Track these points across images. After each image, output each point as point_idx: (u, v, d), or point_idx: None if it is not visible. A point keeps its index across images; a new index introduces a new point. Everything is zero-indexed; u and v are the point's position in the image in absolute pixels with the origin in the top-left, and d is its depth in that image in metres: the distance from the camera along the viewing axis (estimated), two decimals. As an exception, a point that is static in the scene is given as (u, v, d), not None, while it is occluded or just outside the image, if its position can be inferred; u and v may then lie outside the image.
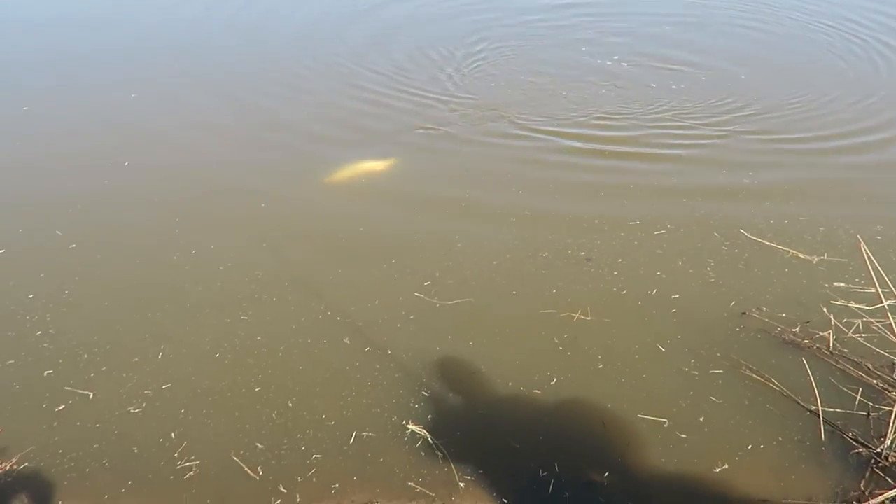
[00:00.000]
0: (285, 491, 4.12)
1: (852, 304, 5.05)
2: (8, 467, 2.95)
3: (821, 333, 4.95)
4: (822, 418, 4.33)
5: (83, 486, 4.18)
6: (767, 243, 6.06)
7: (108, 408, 4.72)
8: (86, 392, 4.84)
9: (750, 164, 7.50)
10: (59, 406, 4.74)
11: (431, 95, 9.48)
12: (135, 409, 4.69)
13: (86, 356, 5.17)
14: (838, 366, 4.72)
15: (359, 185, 7.49)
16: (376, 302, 5.64)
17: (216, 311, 5.60)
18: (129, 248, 6.52)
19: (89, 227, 6.95)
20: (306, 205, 7.18)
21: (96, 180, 7.84)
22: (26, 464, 4.27)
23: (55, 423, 4.60)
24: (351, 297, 5.69)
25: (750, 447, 4.22)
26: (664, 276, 5.76)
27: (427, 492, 4.07)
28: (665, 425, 4.39)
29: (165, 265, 6.24)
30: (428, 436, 4.40)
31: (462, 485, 4.10)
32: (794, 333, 5.00)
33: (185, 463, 4.30)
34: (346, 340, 5.24)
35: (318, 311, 5.56)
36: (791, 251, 5.92)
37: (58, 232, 6.84)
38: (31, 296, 5.84)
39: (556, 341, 5.13)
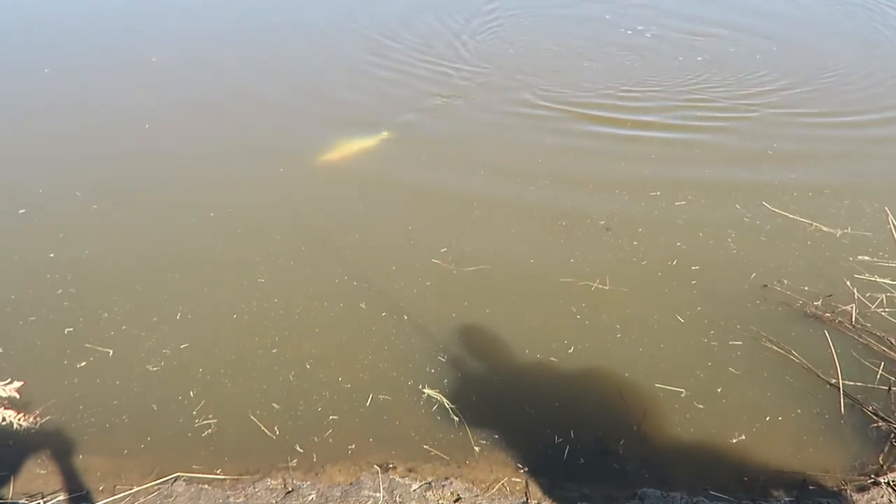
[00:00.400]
0: (301, 451, 4.14)
1: (877, 279, 4.98)
2: (31, 420, 2.98)
3: (843, 307, 4.89)
4: (842, 391, 4.29)
5: (103, 440, 4.22)
6: (790, 216, 5.98)
7: (128, 365, 4.75)
8: (106, 350, 4.87)
9: (775, 136, 7.38)
10: (81, 362, 4.78)
11: (450, 65, 9.37)
12: (154, 368, 4.72)
13: (105, 315, 5.20)
14: (860, 340, 4.66)
15: (376, 154, 7.44)
16: (393, 267, 5.62)
17: (234, 273, 5.60)
18: (148, 210, 6.53)
19: (109, 188, 6.95)
20: (326, 170, 7.14)
21: (117, 143, 7.84)
22: (48, 417, 4.32)
23: (76, 379, 4.64)
24: (368, 262, 5.68)
25: (768, 419, 4.20)
26: (684, 247, 5.69)
27: (442, 455, 4.08)
28: (683, 395, 4.36)
29: (184, 227, 6.24)
30: (444, 400, 4.39)
31: (477, 449, 4.11)
32: (816, 307, 4.94)
33: (203, 421, 4.33)
34: (363, 305, 5.23)
35: (335, 275, 5.55)
36: (814, 224, 5.84)
37: (78, 193, 6.85)
38: (51, 255, 5.87)
39: (574, 310, 5.09)
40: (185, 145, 7.71)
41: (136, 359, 4.80)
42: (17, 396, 2.80)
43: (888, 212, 4.00)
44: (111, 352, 4.86)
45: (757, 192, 6.40)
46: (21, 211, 6.56)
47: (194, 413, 4.39)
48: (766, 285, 5.18)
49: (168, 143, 7.75)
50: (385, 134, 7.71)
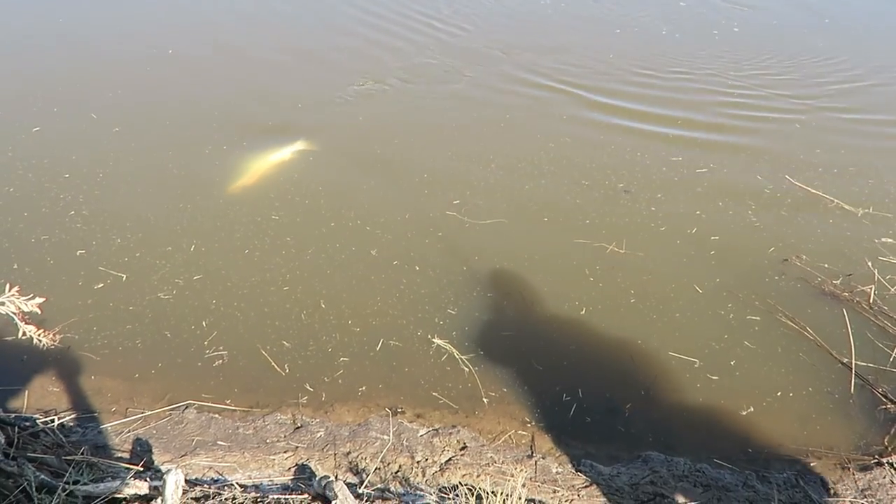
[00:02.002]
0: (311, 389, 4.14)
1: (898, 262, 4.94)
2: (51, 337, 2.96)
3: (862, 287, 4.85)
4: (853, 371, 4.29)
5: (116, 363, 4.22)
6: (813, 191, 5.91)
7: (141, 292, 4.74)
8: (119, 274, 4.85)
9: (803, 110, 7.27)
10: (97, 284, 4.76)
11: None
12: (166, 296, 4.70)
13: (119, 241, 5.17)
14: (877, 321, 4.64)
15: (399, 100, 7.33)
16: (406, 216, 5.57)
17: (248, 208, 5.56)
18: (164, 138, 6.46)
19: (126, 112, 6.87)
20: (343, 113, 7.04)
21: (138, 67, 7.72)
22: (67, 334, 4.31)
23: (89, 301, 4.63)
24: (381, 209, 5.64)
25: (779, 394, 4.20)
26: (704, 216, 5.64)
27: (451, 404, 4.09)
28: (696, 365, 4.35)
29: (199, 158, 6.18)
30: (454, 351, 4.39)
31: (486, 401, 4.11)
32: (835, 285, 4.91)
33: (214, 352, 4.32)
34: (374, 252, 5.20)
35: (348, 218, 5.51)
36: (836, 201, 5.77)
37: (93, 115, 6.76)
38: (66, 175, 5.81)
39: (587, 272, 5.06)
40: (205, 76, 7.65)
41: (148, 286, 4.79)
42: (39, 312, 2.77)
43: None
44: (124, 276, 4.84)
45: (780, 165, 6.34)
46: (35, 129, 6.47)
47: (206, 343, 4.39)
48: (786, 259, 5.14)
49: (188, 73, 7.65)
50: None
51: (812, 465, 3.83)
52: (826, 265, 5.09)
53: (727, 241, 5.35)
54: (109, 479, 3.10)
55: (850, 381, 4.26)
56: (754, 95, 7.60)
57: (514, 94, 7.59)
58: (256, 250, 5.16)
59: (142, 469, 3.32)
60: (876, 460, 3.83)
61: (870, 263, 5.02)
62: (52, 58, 8.04)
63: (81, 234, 5.21)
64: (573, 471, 3.69)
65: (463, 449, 3.76)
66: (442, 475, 3.53)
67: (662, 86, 7.74)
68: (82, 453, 3.35)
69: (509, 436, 3.90)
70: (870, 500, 3.59)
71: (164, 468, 3.36)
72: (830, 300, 4.81)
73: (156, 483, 3.03)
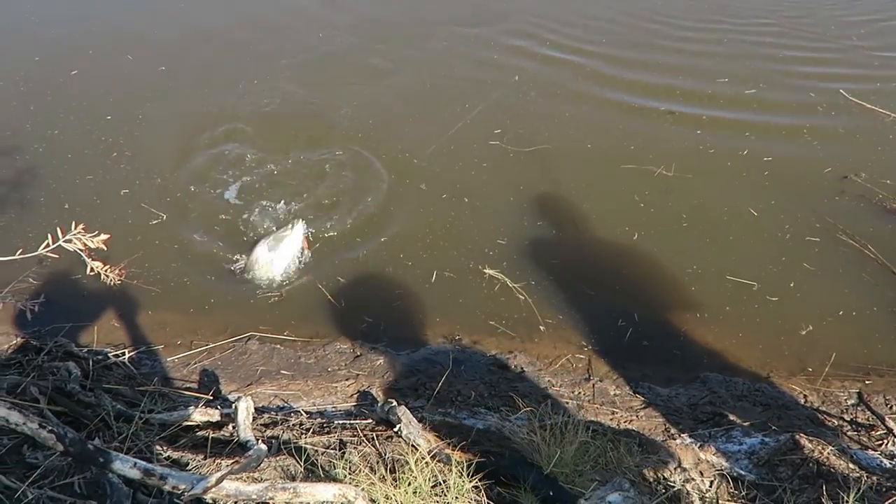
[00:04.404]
0: (370, 320, 4.18)
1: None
2: (117, 273, 3.01)
3: (926, 203, 4.72)
4: (918, 289, 4.19)
5: (173, 298, 4.30)
6: (869, 106, 5.69)
7: (184, 230, 4.79)
8: (160, 213, 4.90)
9: (859, 23, 6.96)
10: (149, 222, 4.83)
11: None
12: (202, 238, 4.75)
13: (159, 181, 5.22)
14: (941, 237, 4.52)
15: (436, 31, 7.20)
16: (452, 147, 5.52)
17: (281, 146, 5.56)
18: (200, 81, 6.45)
19: (163, 53, 6.85)
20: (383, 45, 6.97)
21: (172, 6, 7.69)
22: (130, 270, 4.39)
23: (139, 238, 4.70)
24: (425, 142, 5.58)
25: (840, 313, 4.12)
26: (753, 138, 5.50)
27: (508, 331, 4.10)
28: (754, 288, 4.28)
29: (233, 94, 6.16)
30: (507, 280, 4.38)
31: (542, 328, 4.12)
32: (898, 202, 4.77)
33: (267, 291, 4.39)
34: (423, 186, 5.16)
35: (396, 150, 5.48)
36: (893, 115, 5.56)
37: (129, 57, 6.76)
38: (108, 117, 5.85)
39: (637, 197, 4.98)
40: (238, 24, 7.50)
41: (187, 225, 4.84)
42: (105, 248, 2.81)
43: None
44: (164, 216, 4.89)
45: (834, 80, 6.12)
46: (73, 72, 6.50)
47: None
48: (845, 177, 5.00)
49: (221, 22, 7.57)
50: None
51: (874, 382, 3.78)
52: (888, 181, 4.93)
53: (781, 161, 5.21)
54: (182, 407, 3.20)
55: (914, 299, 4.17)
56: (806, 14, 7.28)
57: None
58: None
59: (211, 398, 3.42)
60: (940, 377, 3.77)
61: (935, 177, 4.86)
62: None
63: (125, 175, 5.27)
64: (631, 393, 3.70)
65: (521, 373, 3.79)
66: (501, 398, 3.57)
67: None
68: (154, 384, 3.46)
69: (567, 360, 3.92)
70: (935, 416, 3.54)
71: (232, 397, 3.45)
72: (893, 217, 4.67)
73: (227, 410, 3.12)
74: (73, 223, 2.77)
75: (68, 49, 6.92)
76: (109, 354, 3.64)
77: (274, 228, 4.73)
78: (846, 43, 6.73)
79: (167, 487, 2.41)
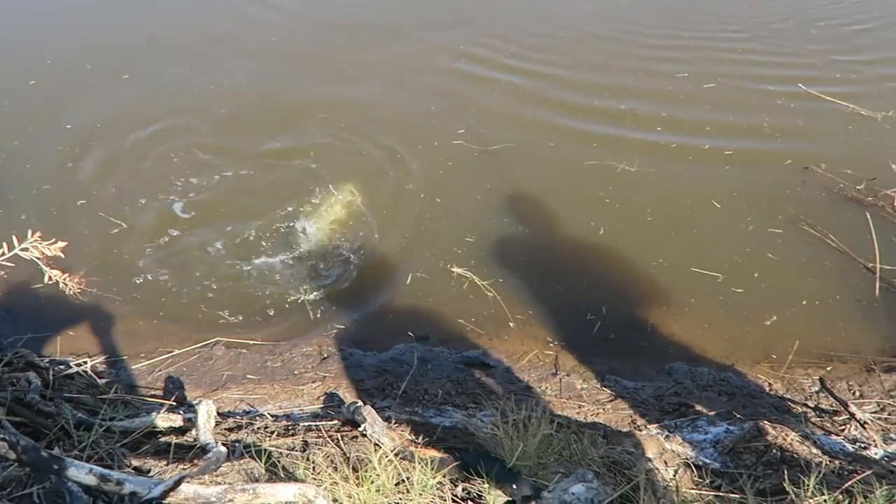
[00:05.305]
0: (338, 321, 4.17)
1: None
2: (76, 281, 2.98)
3: (886, 191, 4.78)
4: (878, 275, 4.25)
5: (132, 306, 4.25)
6: (828, 98, 5.78)
7: (142, 239, 4.73)
8: (119, 222, 4.85)
9: (820, 17, 7.06)
10: (107, 231, 4.78)
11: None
12: (165, 244, 4.71)
13: (113, 190, 5.17)
14: (901, 224, 4.59)
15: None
16: (419, 147, 5.55)
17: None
18: (160, 89, 6.44)
19: (122, 62, 6.82)
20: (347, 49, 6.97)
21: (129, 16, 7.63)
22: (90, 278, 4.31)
23: (95, 248, 4.65)
24: (391, 145, 5.61)
25: (804, 302, 4.17)
26: (715, 132, 5.56)
27: (476, 329, 4.11)
28: (719, 280, 4.33)
29: (194, 107, 6.16)
30: (474, 278, 4.38)
31: (511, 324, 4.13)
32: (858, 191, 4.84)
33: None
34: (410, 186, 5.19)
35: (359, 152, 5.51)
36: (851, 106, 5.65)
37: (88, 66, 6.74)
38: (68, 126, 5.84)
39: (601, 193, 5.02)
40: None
41: (148, 234, 4.78)
42: (63, 256, 2.78)
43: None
44: (124, 224, 4.83)
45: (792, 74, 6.20)
46: (32, 82, 6.45)
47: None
48: (806, 168, 5.07)
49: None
50: None
51: (837, 368, 3.83)
52: (848, 171, 5.01)
53: (742, 154, 5.29)
54: (144, 414, 3.17)
55: (875, 286, 4.22)
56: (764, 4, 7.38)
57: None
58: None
59: (175, 404, 3.39)
60: (902, 361, 3.82)
61: (894, 167, 4.93)
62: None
63: (83, 184, 5.21)
64: (598, 386, 3.72)
65: (488, 370, 3.80)
66: (468, 396, 3.57)
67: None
68: (116, 392, 3.42)
69: (534, 355, 3.94)
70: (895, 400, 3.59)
71: (195, 402, 3.42)
72: (853, 206, 4.75)
73: (189, 415, 3.09)
74: (30, 231, 2.73)
75: (26, 59, 6.86)
76: (71, 364, 3.59)
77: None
78: (804, 41, 6.83)
79: (125, 493, 2.39)
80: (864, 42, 6.77)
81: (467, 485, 2.75)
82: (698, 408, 3.55)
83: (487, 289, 4.31)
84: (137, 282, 4.40)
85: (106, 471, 2.40)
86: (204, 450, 2.78)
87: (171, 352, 3.91)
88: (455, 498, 2.70)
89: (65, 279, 3.02)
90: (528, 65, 6.66)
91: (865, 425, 3.38)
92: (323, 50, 7.09)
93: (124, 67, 6.69)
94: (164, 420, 3.09)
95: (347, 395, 3.59)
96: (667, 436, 3.35)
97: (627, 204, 4.90)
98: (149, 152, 5.54)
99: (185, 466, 2.74)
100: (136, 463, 2.82)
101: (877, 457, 3.22)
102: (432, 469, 2.68)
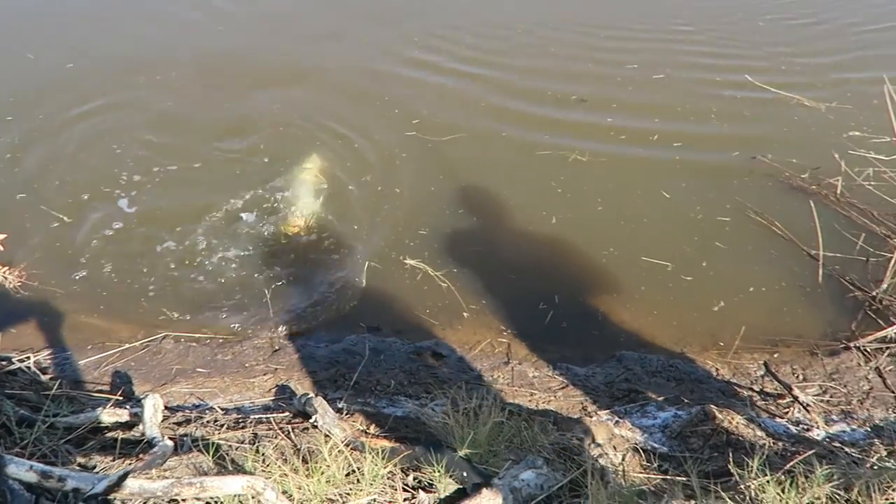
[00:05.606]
0: (290, 313, 4.13)
1: (865, 153, 4.95)
2: (17, 274, 2.91)
3: (829, 180, 4.91)
4: (821, 262, 4.36)
5: (78, 300, 4.14)
6: (774, 89, 5.90)
7: (84, 232, 4.64)
8: (60, 215, 4.72)
9: (767, 11, 7.20)
10: (47, 225, 4.65)
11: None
12: (106, 237, 4.62)
13: (57, 183, 5.06)
14: (843, 212, 4.71)
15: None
16: (376, 137, 5.52)
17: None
18: (105, 79, 6.27)
19: (68, 52, 6.64)
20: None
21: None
22: (32, 271, 4.21)
23: (37, 240, 4.49)
24: (346, 135, 5.59)
25: (751, 289, 4.26)
26: (663, 123, 5.63)
27: (430, 319, 4.11)
28: (668, 268, 4.40)
29: (128, 116, 6.01)
30: (428, 269, 4.39)
31: (466, 314, 4.14)
32: (803, 179, 4.96)
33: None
34: (340, 173, 5.19)
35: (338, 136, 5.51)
36: (796, 97, 5.78)
37: (30, 55, 6.56)
38: (9, 118, 5.68)
39: (553, 183, 5.07)
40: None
41: (101, 224, 4.69)
42: (2, 249, 2.71)
43: (886, 79, 3.91)
44: (66, 218, 4.72)
45: (740, 65, 6.33)
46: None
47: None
48: (753, 158, 5.18)
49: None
50: None
51: (782, 353, 3.92)
52: (794, 160, 5.13)
53: (691, 145, 5.38)
54: (89, 409, 3.11)
55: (819, 272, 4.33)
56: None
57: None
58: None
59: (121, 398, 3.33)
60: (843, 345, 3.93)
61: (836, 156, 5.06)
62: None
63: (23, 177, 5.09)
64: (549, 374, 3.76)
65: (442, 360, 3.81)
66: (421, 386, 3.58)
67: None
68: (60, 388, 3.35)
69: (487, 344, 3.96)
70: (837, 382, 3.70)
71: (143, 396, 3.36)
72: (799, 195, 4.87)
73: (136, 410, 3.04)
74: (-34, 225, 2.66)
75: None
76: (13, 360, 3.50)
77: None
78: (751, 34, 6.97)
79: (67, 489, 2.34)
80: (809, 35, 6.93)
81: (418, 473, 2.75)
82: (648, 393, 3.61)
83: (441, 279, 4.31)
84: (81, 276, 4.30)
85: (47, 467, 2.35)
86: (150, 444, 2.74)
87: (119, 346, 3.84)
88: (406, 487, 2.70)
89: (5, 273, 2.95)
90: (480, 55, 6.69)
91: (808, 408, 3.48)
92: (271, 41, 7.00)
93: (69, 56, 6.53)
94: (110, 415, 3.03)
95: (299, 387, 3.56)
96: (616, 421, 3.40)
97: (579, 193, 4.95)
98: (92, 146, 5.44)
99: (131, 462, 2.69)
100: (81, 459, 2.77)
101: (819, 438, 3.31)
102: (383, 459, 2.68)
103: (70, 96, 6.00)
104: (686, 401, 3.54)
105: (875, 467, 2.67)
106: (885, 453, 2.95)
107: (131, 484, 2.35)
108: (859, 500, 2.38)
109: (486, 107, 5.87)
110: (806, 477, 2.57)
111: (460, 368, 3.75)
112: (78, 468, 2.68)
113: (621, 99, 5.93)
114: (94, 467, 2.71)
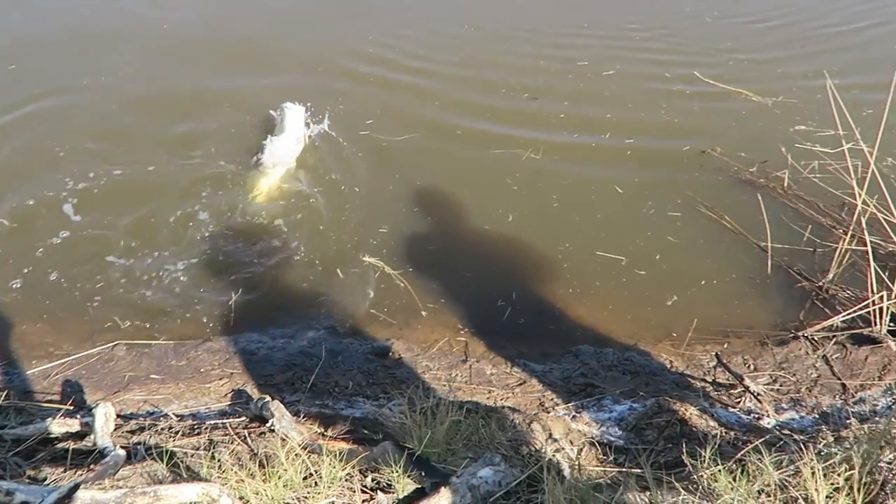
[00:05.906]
0: (245, 316, 4.10)
1: (816, 147, 5.06)
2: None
3: (776, 173, 5.03)
4: (769, 254, 4.46)
5: (23, 308, 4.08)
6: (722, 85, 6.03)
7: (30, 239, 4.56)
8: (2, 221, 4.64)
9: (714, 11, 7.35)
10: None
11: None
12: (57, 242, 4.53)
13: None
14: (791, 204, 4.83)
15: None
16: (334, 134, 5.51)
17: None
18: (46, 84, 6.13)
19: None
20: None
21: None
22: None
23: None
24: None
25: (703, 282, 4.34)
26: (615, 119, 5.72)
27: (388, 318, 4.11)
28: (622, 263, 4.46)
29: (74, 126, 5.89)
30: (385, 267, 4.38)
31: (424, 313, 4.14)
32: (751, 173, 5.07)
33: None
34: (300, 178, 5.13)
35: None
36: (744, 93, 5.91)
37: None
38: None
39: (509, 181, 5.10)
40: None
41: (47, 230, 4.60)
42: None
43: (827, 75, 4.02)
44: (11, 224, 4.64)
45: (688, 62, 6.46)
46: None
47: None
48: (703, 152, 5.28)
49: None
50: None
51: (733, 344, 4.01)
52: (742, 154, 5.25)
53: (642, 141, 5.47)
54: (39, 420, 3.04)
55: (768, 264, 4.43)
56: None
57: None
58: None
59: (72, 408, 3.26)
60: (792, 335, 4.02)
61: (783, 149, 5.18)
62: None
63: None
64: (507, 371, 3.78)
65: (399, 360, 3.80)
66: (379, 386, 3.57)
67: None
68: (7, 399, 3.26)
69: (445, 343, 3.96)
70: (787, 371, 3.78)
71: (94, 405, 3.30)
72: (747, 188, 4.97)
73: (87, 419, 2.98)
74: None
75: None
76: (-43, 371, 3.41)
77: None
78: (699, 31, 7.10)
79: (16, 503, 2.29)
80: (754, 32, 7.09)
81: (376, 475, 2.75)
82: (604, 387, 3.65)
83: (399, 278, 4.31)
84: (27, 284, 4.20)
85: (-7, 482, 2.30)
86: (102, 454, 2.70)
87: (69, 355, 3.75)
88: (364, 488, 2.70)
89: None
90: (432, 52, 6.69)
91: (759, 397, 3.56)
92: (222, 41, 6.92)
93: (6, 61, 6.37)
94: (60, 426, 2.97)
95: (256, 391, 3.53)
96: (573, 416, 3.44)
97: (534, 190, 4.99)
98: (36, 150, 5.31)
99: (83, 473, 2.64)
100: (30, 472, 2.71)
101: (769, 426, 3.39)
102: (341, 461, 2.68)
103: (9, 101, 5.87)
104: (641, 393, 3.59)
105: (822, 453, 2.74)
106: (831, 439, 3.04)
107: (83, 495, 2.31)
108: (807, 485, 2.45)
109: (439, 106, 5.89)
110: (756, 465, 2.63)
111: (418, 368, 3.75)
112: (27, 481, 2.62)
113: (573, 95, 6.00)
114: (45, 479, 2.66)
